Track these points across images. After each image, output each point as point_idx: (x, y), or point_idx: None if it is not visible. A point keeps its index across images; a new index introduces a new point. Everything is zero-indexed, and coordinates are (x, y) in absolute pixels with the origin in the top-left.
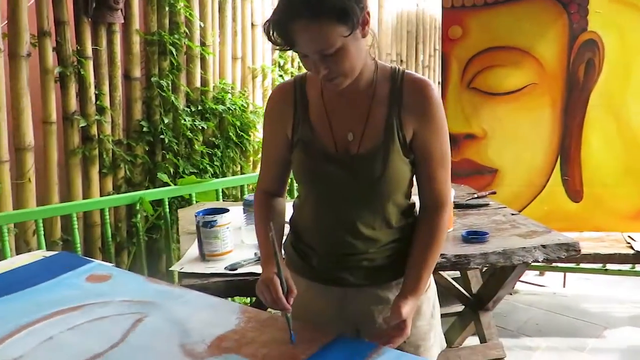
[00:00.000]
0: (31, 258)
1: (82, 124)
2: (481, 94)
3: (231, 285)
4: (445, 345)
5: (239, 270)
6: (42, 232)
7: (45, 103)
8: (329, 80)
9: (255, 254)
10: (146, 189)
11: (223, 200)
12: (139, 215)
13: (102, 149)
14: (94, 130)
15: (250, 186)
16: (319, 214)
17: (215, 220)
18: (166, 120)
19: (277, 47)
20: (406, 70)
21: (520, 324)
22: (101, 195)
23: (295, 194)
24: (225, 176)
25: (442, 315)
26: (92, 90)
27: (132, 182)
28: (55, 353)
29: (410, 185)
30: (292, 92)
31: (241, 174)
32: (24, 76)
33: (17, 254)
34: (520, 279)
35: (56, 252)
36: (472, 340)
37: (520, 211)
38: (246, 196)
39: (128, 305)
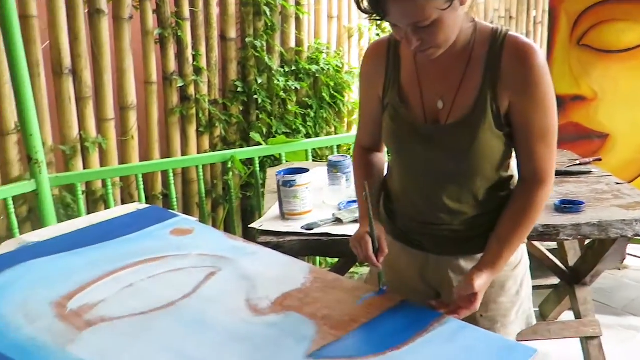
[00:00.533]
0: (126, 210)
1: (180, 84)
2: (593, 51)
3: (305, 245)
4: (534, 322)
5: (315, 231)
6: (141, 187)
7: (146, 64)
8: (420, 51)
9: (333, 214)
10: (240, 148)
11: (313, 161)
12: (230, 173)
13: (199, 109)
14: (191, 90)
15: (344, 147)
16: (405, 182)
17: (295, 180)
18: (260, 81)
19: (367, 17)
20: (509, 32)
21: (626, 302)
22: (198, 153)
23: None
24: (319, 137)
25: (539, 287)
26: (189, 51)
27: (227, 141)
28: (134, 299)
29: (506, 158)
30: (385, 51)
31: (335, 135)
32: (126, 38)
33: None
34: (633, 253)
35: (148, 206)
36: (569, 316)
37: (630, 181)
38: (330, 157)
39: (204, 258)
